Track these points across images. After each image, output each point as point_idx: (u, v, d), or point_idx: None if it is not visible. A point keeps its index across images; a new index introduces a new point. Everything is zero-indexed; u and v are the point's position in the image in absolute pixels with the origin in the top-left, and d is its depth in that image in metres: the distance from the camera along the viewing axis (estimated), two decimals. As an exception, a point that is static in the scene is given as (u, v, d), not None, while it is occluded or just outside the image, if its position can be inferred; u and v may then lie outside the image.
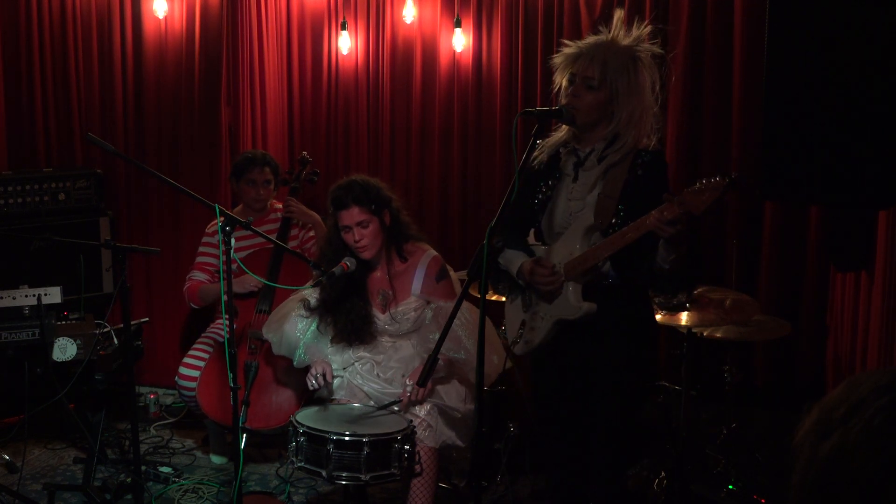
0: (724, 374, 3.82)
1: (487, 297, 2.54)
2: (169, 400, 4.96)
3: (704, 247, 4.20)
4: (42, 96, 5.10)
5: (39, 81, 5.08)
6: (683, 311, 3.56)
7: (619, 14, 2.74)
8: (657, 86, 2.69)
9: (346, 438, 2.94)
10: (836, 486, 0.93)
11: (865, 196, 2.96)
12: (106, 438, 4.21)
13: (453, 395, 3.28)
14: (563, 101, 2.70)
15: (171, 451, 4.41)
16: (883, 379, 0.96)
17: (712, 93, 4.28)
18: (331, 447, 2.93)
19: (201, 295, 4.28)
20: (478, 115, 4.78)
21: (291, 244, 4.35)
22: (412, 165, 4.93)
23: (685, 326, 3.56)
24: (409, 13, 4.79)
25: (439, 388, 3.26)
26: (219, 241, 3.79)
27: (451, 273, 3.46)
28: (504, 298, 3.09)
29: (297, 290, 3.50)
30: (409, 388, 3.13)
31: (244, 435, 2.93)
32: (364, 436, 2.94)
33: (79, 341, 3.78)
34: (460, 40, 4.72)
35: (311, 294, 3.42)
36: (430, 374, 2.71)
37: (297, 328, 3.42)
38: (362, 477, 2.95)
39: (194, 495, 3.92)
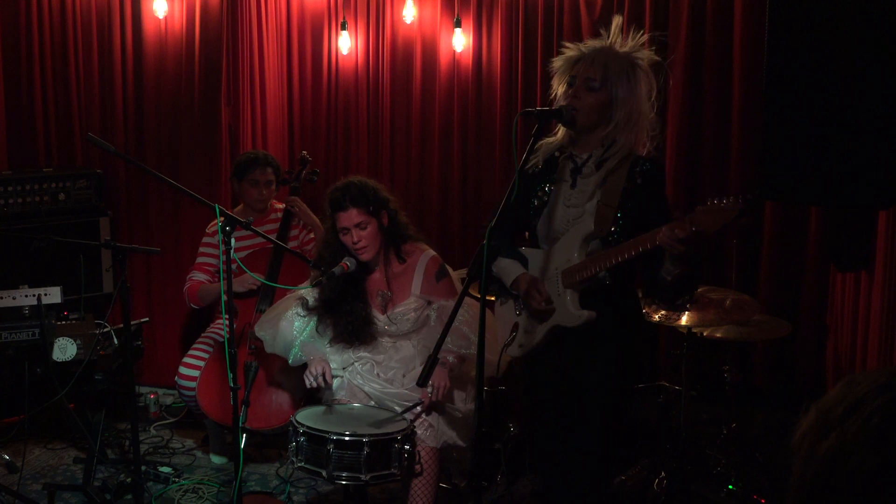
0: (724, 374, 3.82)
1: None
2: (169, 400, 4.96)
3: (704, 247, 4.20)
4: (42, 96, 5.09)
5: (39, 81, 5.07)
6: (683, 311, 3.56)
7: (617, 20, 2.75)
8: (654, 92, 2.70)
9: (347, 438, 2.94)
10: (835, 485, 0.93)
11: (865, 196, 2.96)
12: (106, 438, 4.21)
13: (454, 394, 3.27)
14: (563, 103, 2.69)
15: (171, 451, 4.40)
16: (881, 378, 0.96)
17: (712, 98, 4.29)
18: (331, 447, 2.93)
19: (201, 295, 4.28)
20: (478, 115, 4.78)
21: (291, 244, 4.35)
22: (412, 165, 4.93)
23: (685, 326, 3.56)
24: (409, 13, 4.79)
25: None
26: (219, 241, 3.79)
27: (451, 271, 3.46)
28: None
29: (296, 289, 3.50)
30: (430, 391, 3.12)
31: (244, 435, 2.93)
32: (364, 436, 2.94)
33: (79, 341, 3.78)
34: (460, 40, 4.72)
35: (309, 293, 3.42)
36: (429, 374, 2.71)
37: (293, 327, 3.41)
38: (362, 477, 2.95)
39: (194, 495, 3.91)
